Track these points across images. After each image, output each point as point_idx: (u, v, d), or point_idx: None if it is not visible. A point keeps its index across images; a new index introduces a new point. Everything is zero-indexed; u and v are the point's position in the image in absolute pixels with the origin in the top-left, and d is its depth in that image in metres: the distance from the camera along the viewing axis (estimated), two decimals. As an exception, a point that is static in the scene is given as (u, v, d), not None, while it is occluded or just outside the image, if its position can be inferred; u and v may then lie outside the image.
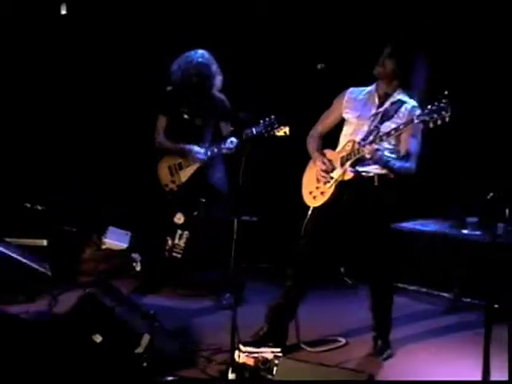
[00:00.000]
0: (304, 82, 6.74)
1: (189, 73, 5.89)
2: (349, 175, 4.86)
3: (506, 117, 6.21)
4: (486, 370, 3.74)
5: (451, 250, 6.28)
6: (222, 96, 6.00)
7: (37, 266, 6.04)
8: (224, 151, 5.81)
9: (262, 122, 5.43)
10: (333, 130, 5.16)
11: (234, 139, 5.77)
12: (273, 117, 5.41)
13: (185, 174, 5.99)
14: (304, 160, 5.20)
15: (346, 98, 5.05)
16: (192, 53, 5.96)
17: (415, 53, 4.96)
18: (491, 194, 5.89)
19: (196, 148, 5.92)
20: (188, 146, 5.94)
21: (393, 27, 6.42)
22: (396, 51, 4.88)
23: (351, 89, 5.09)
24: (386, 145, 4.76)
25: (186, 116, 5.99)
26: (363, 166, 4.84)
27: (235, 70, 6.37)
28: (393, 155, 4.80)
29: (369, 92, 5.01)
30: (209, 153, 5.88)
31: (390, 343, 5.10)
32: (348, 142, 4.90)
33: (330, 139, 5.16)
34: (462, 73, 6.41)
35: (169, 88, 6.08)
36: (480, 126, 6.40)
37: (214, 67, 5.92)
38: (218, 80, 5.96)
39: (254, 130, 5.45)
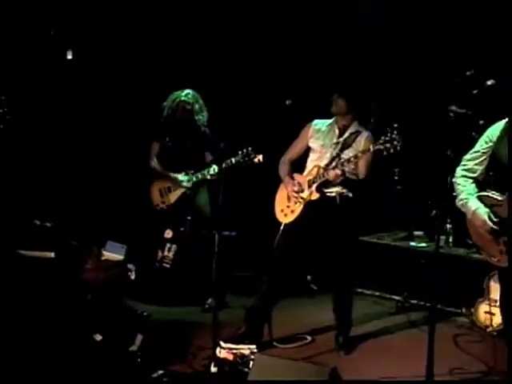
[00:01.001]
0: (274, 116, 6.79)
1: (174, 109, 5.95)
2: (315, 195, 4.92)
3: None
4: (430, 361, 3.78)
5: (401, 259, 6.35)
6: (206, 130, 6.03)
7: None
8: (208, 177, 5.86)
9: (240, 152, 5.46)
10: (300, 157, 5.23)
11: (215, 167, 5.81)
12: (250, 148, 5.45)
13: (173, 196, 6.04)
14: (275, 182, 5.26)
15: (311, 129, 5.12)
16: (178, 92, 6.01)
17: (362, 89, 5.05)
18: (434, 212, 5.99)
19: (180, 177, 5.99)
20: (174, 175, 6.01)
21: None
22: (344, 90, 4.97)
23: (315, 121, 5.16)
24: (346, 169, 4.84)
25: (174, 145, 6.03)
26: (327, 187, 4.91)
27: (217, 107, 6.41)
28: (353, 176, 4.89)
29: (330, 124, 5.08)
30: (193, 179, 5.93)
31: (350, 339, 5.14)
32: (314, 166, 4.98)
33: (298, 164, 5.24)
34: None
35: (161, 119, 6.11)
36: (425, 152, 6.47)
37: (197, 106, 5.97)
38: (202, 116, 6.00)
39: (233, 159, 5.48)
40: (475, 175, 4.13)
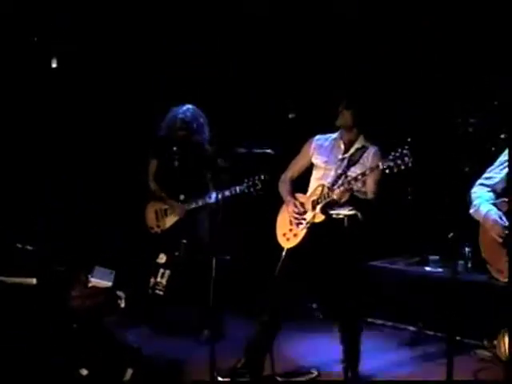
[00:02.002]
0: (276, 130, 6.77)
1: (171, 128, 5.92)
2: (320, 218, 4.86)
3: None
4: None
5: (415, 285, 6.29)
6: (207, 147, 5.99)
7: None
8: (205, 204, 5.80)
9: (246, 181, 5.45)
10: (302, 175, 5.18)
11: (213, 194, 5.75)
12: (257, 178, 5.42)
13: (169, 220, 6.01)
14: (276, 202, 5.20)
15: (313, 144, 5.10)
16: (176, 109, 5.98)
17: (371, 101, 5.02)
18: (452, 234, 5.91)
19: (175, 204, 5.95)
20: (170, 201, 5.98)
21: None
22: (352, 102, 4.93)
23: (318, 136, 5.14)
24: (354, 187, 4.78)
25: (172, 164, 5.99)
26: (333, 208, 4.85)
27: (216, 123, 6.40)
28: (361, 196, 4.83)
29: (334, 139, 5.05)
30: (190, 206, 5.88)
31: (359, 374, 5.06)
32: (318, 186, 4.92)
33: (301, 183, 5.18)
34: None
35: (159, 136, 6.08)
36: (440, 169, 6.44)
37: (195, 124, 5.93)
38: (201, 135, 5.96)
39: (237, 188, 5.49)
40: (492, 183, 4.16)
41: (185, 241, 5.99)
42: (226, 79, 6.13)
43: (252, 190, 5.43)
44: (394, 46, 6.42)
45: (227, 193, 5.51)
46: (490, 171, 4.16)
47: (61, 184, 7.21)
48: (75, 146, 7.27)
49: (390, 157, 4.50)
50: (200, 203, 5.84)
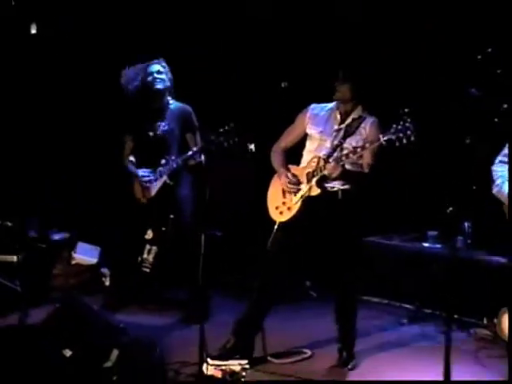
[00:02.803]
0: (268, 100, 6.73)
1: (147, 83, 5.81)
2: (316, 191, 4.83)
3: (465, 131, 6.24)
4: (446, 380, 3.73)
5: (412, 262, 6.31)
6: (185, 106, 5.89)
7: (7, 283, 5.97)
8: (185, 159, 5.72)
9: (221, 130, 5.21)
10: (295, 146, 5.15)
11: (194, 148, 5.67)
12: (232, 125, 5.25)
13: (153, 189, 5.90)
14: (267, 175, 5.18)
15: (308, 113, 5.05)
16: (146, 64, 5.86)
17: (368, 72, 4.97)
18: (451, 208, 5.92)
19: (140, 172, 5.86)
20: (135, 171, 5.89)
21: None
22: (348, 75, 4.89)
23: (313, 105, 5.09)
24: (349, 161, 4.75)
25: (150, 133, 5.90)
26: (327, 182, 4.83)
27: (200, 87, 6.34)
28: (356, 168, 4.82)
29: (330, 109, 5.00)
30: (156, 176, 5.81)
31: (355, 354, 5.07)
32: (313, 157, 4.88)
33: (293, 155, 5.16)
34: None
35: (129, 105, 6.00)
36: (440, 140, 6.42)
37: (170, 75, 5.86)
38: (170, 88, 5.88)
39: (212, 137, 5.24)
40: None
41: (172, 216, 5.94)
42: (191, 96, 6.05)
43: (232, 142, 5.22)
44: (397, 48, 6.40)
45: (193, 150, 5.42)
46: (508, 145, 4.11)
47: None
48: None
49: (392, 130, 4.45)
50: (180, 161, 5.72)
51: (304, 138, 5.07)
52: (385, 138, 4.49)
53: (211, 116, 6.01)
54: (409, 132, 4.38)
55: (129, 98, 5.89)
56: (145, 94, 5.83)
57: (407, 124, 4.40)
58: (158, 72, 5.80)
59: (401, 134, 4.40)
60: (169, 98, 5.87)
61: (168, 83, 5.82)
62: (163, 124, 5.83)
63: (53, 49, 7.22)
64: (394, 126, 4.44)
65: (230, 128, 5.21)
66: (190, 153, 5.64)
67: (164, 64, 5.85)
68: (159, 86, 5.78)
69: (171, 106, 5.86)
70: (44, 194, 7.16)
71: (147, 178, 5.81)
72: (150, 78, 5.78)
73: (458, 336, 5.21)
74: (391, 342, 5.52)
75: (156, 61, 5.85)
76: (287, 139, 5.16)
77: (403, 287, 6.32)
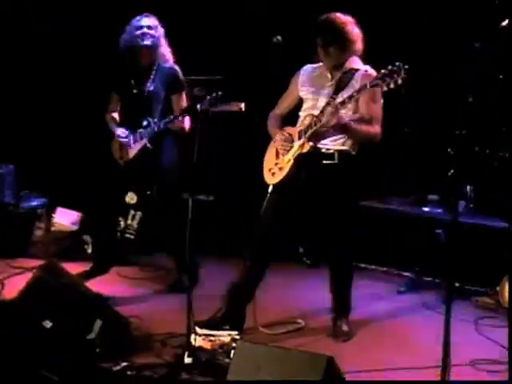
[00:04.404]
0: (260, 56, 6.69)
1: (135, 37, 5.75)
2: (306, 147, 4.83)
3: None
4: (447, 349, 3.77)
5: (412, 228, 6.33)
6: (173, 66, 5.85)
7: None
8: (161, 127, 5.64)
9: (208, 98, 5.06)
10: (292, 110, 5.14)
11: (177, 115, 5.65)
12: (220, 93, 5.19)
13: (131, 151, 5.88)
14: (262, 138, 5.18)
15: (300, 76, 5.07)
16: (138, 18, 5.81)
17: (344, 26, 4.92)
18: (452, 171, 5.95)
19: (118, 131, 5.82)
20: (114, 128, 5.87)
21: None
22: (324, 40, 4.85)
23: (305, 66, 5.09)
24: (344, 113, 4.76)
25: (134, 90, 5.86)
26: (323, 141, 4.84)
27: (188, 44, 6.29)
28: (355, 116, 4.82)
29: (321, 67, 5.01)
30: (135, 137, 5.76)
31: (350, 324, 5.11)
32: (306, 116, 4.90)
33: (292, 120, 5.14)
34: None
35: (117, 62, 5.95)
36: (440, 101, 6.42)
37: (159, 32, 5.80)
38: (166, 48, 5.85)
39: (198, 106, 5.24)
40: None
41: (156, 185, 5.92)
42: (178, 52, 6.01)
43: (216, 108, 5.20)
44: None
45: (181, 110, 5.37)
46: None
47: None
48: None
49: (379, 75, 4.46)
50: (161, 125, 5.70)
51: (300, 103, 5.07)
52: (372, 83, 4.50)
53: (200, 72, 5.98)
54: (395, 75, 4.37)
55: (120, 54, 5.85)
56: (132, 49, 5.77)
57: (395, 68, 4.39)
58: (148, 27, 5.75)
59: (387, 78, 4.39)
60: (164, 59, 5.83)
61: (157, 41, 5.77)
62: (149, 84, 5.79)
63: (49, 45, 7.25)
64: (382, 71, 4.45)
65: (217, 96, 5.17)
66: (172, 117, 5.61)
67: (156, 22, 5.79)
68: (147, 42, 5.72)
69: (160, 66, 5.82)
70: (20, 157, 7.14)
71: (124, 140, 5.79)
72: (138, 32, 5.73)
73: (459, 305, 5.24)
74: (389, 312, 5.56)
75: (146, 14, 5.80)
76: (282, 105, 5.18)
77: (402, 254, 6.35)
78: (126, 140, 5.78)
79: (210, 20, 7.01)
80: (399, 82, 4.37)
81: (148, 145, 5.75)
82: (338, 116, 4.68)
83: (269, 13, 6.76)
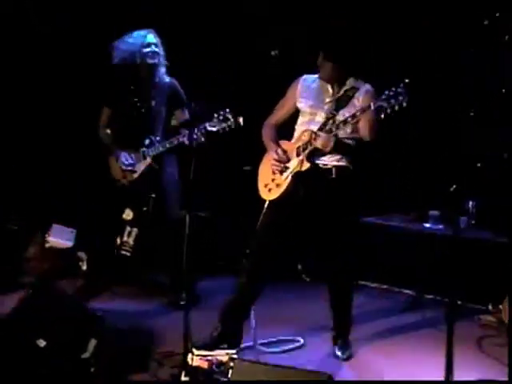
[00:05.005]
0: (257, 70, 6.73)
1: (141, 57, 5.79)
2: (305, 166, 4.85)
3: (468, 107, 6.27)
4: (449, 369, 3.78)
5: (412, 244, 6.34)
6: (172, 80, 5.88)
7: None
8: (176, 144, 5.73)
9: (215, 115, 5.22)
10: (288, 122, 5.15)
11: (185, 132, 5.66)
12: (228, 110, 5.26)
13: (136, 172, 5.91)
14: (257, 151, 5.19)
15: (299, 86, 5.04)
16: (142, 34, 5.85)
17: (352, 45, 4.95)
18: (454, 187, 5.95)
19: (122, 158, 5.87)
20: (114, 151, 5.91)
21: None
22: (331, 53, 4.87)
23: (304, 76, 5.08)
24: (341, 132, 4.78)
25: (131, 107, 5.89)
26: (321, 157, 4.86)
27: (185, 57, 6.32)
28: (349, 141, 4.85)
29: (322, 79, 5.01)
30: (138, 157, 5.81)
31: (350, 343, 5.12)
32: (304, 131, 4.90)
33: (286, 131, 5.15)
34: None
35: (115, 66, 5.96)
36: (440, 116, 6.44)
37: (162, 49, 5.84)
38: (163, 62, 5.88)
39: (207, 125, 5.29)
40: None
41: (154, 195, 5.94)
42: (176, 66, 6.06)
43: (225, 125, 5.26)
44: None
45: (196, 133, 5.39)
46: None
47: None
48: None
49: (383, 96, 4.48)
50: (167, 145, 5.75)
51: (297, 112, 5.08)
52: (376, 105, 4.52)
53: (199, 87, 6.01)
54: (400, 97, 4.40)
55: (115, 67, 5.87)
56: (134, 65, 5.80)
57: (399, 89, 4.42)
58: (155, 45, 5.79)
59: (392, 100, 4.42)
60: (164, 75, 5.87)
61: (162, 58, 5.82)
62: (152, 101, 5.83)
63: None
64: (386, 92, 4.46)
65: (226, 114, 5.22)
66: (180, 138, 5.64)
67: (158, 38, 5.84)
68: (156, 60, 5.77)
69: (160, 82, 5.85)
70: (15, 173, 7.14)
71: (130, 168, 5.84)
72: (146, 50, 5.76)
73: (461, 323, 5.25)
74: (390, 330, 5.57)
75: (150, 31, 5.84)
76: (278, 114, 5.16)
77: (403, 271, 6.37)
78: (132, 168, 5.82)
79: (208, 30, 7.04)
80: (404, 104, 4.40)
81: (153, 164, 5.80)
82: (331, 145, 4.71)
83: (267, 25, 6.80)
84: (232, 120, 5.19)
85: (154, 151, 5.77)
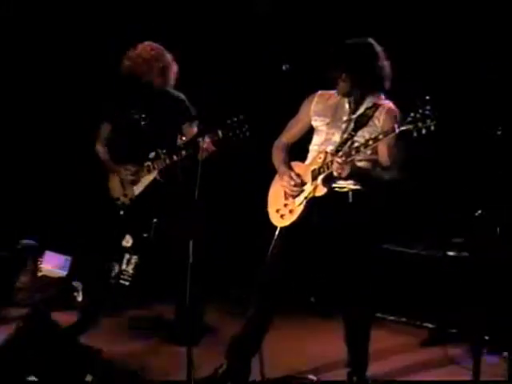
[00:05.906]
0: (268, 85, 6.72)
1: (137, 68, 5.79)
2: (321, 191, 4.79)
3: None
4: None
5: (436, 273, 6.30)
6: (180, 94, 5.90)
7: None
8: (175, 159, 5.67)
9: (228, 122, 5.24)
10: (301, 140, 5.11)
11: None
12: (241, 116, 5.23)
13: (138, 187, 5.89)
14: (267, 172, 5.16)
15: (314, 102, 5.01)
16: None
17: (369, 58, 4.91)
18: (479, 211, 5.92)
19: (124, 171, 5.86)
20: (118, 167, 5.89)
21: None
22: (344, 67, 4.82)
23: (320, 92, 5.05)
24: (361, 156, 4.72)
25: (133, 121, 5.88)
26: (337, 180, 4.79)
27: (193, 70, 6.33)
28: (367, 164, 4.80)
29: (339, 95, 4.97)
30: (164, 163, 5.77)
31: (367, 380, 5.06)
32: (319, 153, 4.84)
33: (299, 150, 5.12)
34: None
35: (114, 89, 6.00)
36: (467, 132, 6.44)
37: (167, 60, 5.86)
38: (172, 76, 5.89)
39: (219, 132, 5.31)
40: None
41: (155, 220, 5.91)
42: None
43: (239, 132, 5.24)
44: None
45: (207, 139, 5.36)
46: None
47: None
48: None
49: (409, 118, 4.42)
50: (175, 158, 5.70)
51: (310, 130, 5.04)
52: (401, 129, 4.46)
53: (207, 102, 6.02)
54: (428, 121, 4.36)
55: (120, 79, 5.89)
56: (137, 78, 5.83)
57: (427, 112, 4.37)
58: None
59: (419, 124, 4.37)
60: (172, 89, 5.89)
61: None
62: (155, 113, 5.82)
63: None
64: (412, 114, 4.41)
65: (240, 120, 5.24)
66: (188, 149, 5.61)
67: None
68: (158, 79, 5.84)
69: (165, 95, 5.85)
70: (5, 195, 7.15)
71: (133, 177, 5.83)
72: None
73: (488, 360, 5.19)
74: (410, 367, 5.52)
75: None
76: (290, 133, 5.13)
77: (424, 303, 6.31)
78: (134, 178, 5.82)
79: (218, 44, 7.18)
80: (432, 128, 4.35)
81: (158, 178, 5.75)
82: (346, 171, 4.63)
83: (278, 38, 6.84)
84: (247, 126, 5.19)
85: (161, 164, 5.73)
